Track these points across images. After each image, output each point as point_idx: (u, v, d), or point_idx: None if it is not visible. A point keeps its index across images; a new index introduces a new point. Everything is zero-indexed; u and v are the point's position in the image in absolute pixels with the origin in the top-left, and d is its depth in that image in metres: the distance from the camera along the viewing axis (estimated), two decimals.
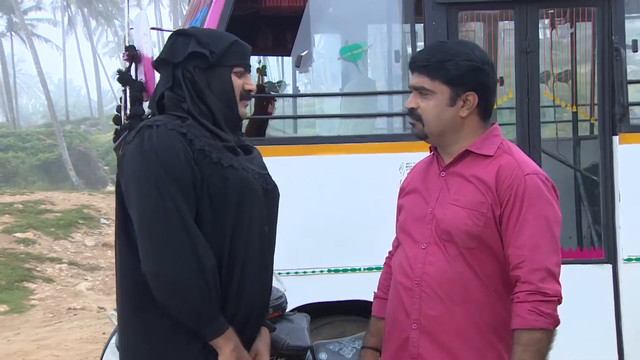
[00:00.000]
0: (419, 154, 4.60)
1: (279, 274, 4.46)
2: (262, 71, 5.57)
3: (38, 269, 11.29)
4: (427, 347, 2.44)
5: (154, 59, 2.57)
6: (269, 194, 2.55)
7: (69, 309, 9.82)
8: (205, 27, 4.59)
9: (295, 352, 3.25)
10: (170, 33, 2.62)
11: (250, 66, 2.57)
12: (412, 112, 2.50)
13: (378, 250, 4.59)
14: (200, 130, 2.41)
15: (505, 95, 5.03)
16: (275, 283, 3.09)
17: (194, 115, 2.44)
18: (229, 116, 2.49)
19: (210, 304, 2.32)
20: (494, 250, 2.41)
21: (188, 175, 2.32)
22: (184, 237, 2.27)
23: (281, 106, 6.00)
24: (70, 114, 48.36)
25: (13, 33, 52.34)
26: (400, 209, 2.70)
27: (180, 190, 2.29)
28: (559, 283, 2.34)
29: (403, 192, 2.72)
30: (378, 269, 4.64)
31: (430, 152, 2.63)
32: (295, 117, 5.79)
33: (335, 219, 4.63)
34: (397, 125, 5.32)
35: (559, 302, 2.33)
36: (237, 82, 2.49)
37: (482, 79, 2.44)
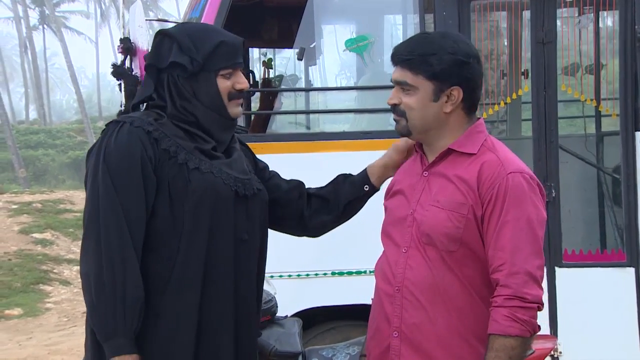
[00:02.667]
0: None
1: (280, 276, 4.50)
2: (267, 64, 5.59)
3: (55, 270, 11.44)
4: (408, 355, 2.42)
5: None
6: (250, 199, 2.53)
7: (85, 312, 9.96)
8: (203, 18, 4.60)
9: (285, 358, 3.25)
10: (156, 32, 2.60)
11: (241, 63, 2.54)
12: (394, 108, 2.48)
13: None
14: (174, 130, 2.43)
15: (521, 89, 4.98)
16: (265, 286, 3.10)
17: (173, 115, 2.47)
18: (217, 120, 2.49)
19: (115, 320, 2.31)
20: (477, 253, 2.37)
21: (136, 180, 2.34)
22: (100, 245, 2.31)
23: (294, 101, 6.02)
24: (103, 110, 48.98)
25: (45, 26, 53.30)
26: (385, 211, 2.67)
27: (121, 195, 2.32)
28: (540, 287, 2.30)
29: (388, 194, 2.68)
30: None
31: (415, 150, 2.60)
32: (295, 113, 5.79)
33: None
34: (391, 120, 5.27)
35: (539, 308, 2.30)
36: (224, 84, 2.48)
37: (467, 73, 2.41)
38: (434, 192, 2.43)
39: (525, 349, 2.30)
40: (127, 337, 2.31)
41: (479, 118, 2.53)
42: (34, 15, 54.01)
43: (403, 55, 2.43)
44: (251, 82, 6.43)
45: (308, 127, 5.56)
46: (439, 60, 2.38)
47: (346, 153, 4.73)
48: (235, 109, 2.53)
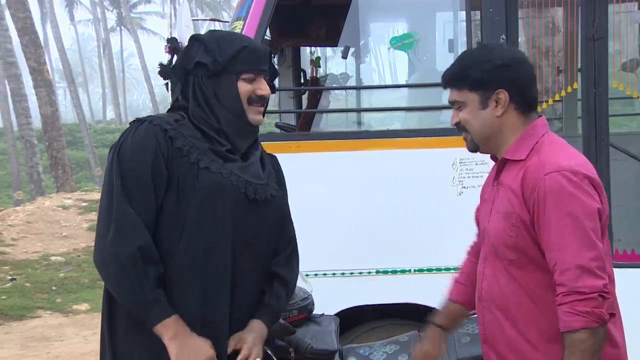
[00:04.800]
0: None
1: (324, 275, 4.54)
2: (315, 63, 5.62)
3: None
4: (493, 359, 2.58)
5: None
6: (261, 204, 2.59)
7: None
8: (249, 17, 4.67)
9: (321, 356, 3.26)
10: (190, 37, 2.71)
11: (265, 71, 2.61)
12: (458, 127, 2.62)
13: (429, 251, 4.66)
14: (192, 131, 2.53)
15: (570, 86, 4.89)
16: (301, 283, 3.13)
17: (194, 117, 2.55)
18: (236, 124, 2.57)
19: (137, 292, 2.41)
20: (534, 259, 2.44)
21: (147, 171, 2.44)
22: (115, 230, 2.40)
23: (344, 99, 6.05)
24: None
25: (122, 27, 54.57)
26: None
27: (132, 187, 2.43)
28: (597, 277, 2.31)
29: (480, 200, 2.81)
30: (429, 270, 4.72)
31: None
32: (338, 111, 5.81)
33: (384, 218, 4.63)
34: (448, 118, 5.26)
35: (602, 296, 2.30)
36: (245, 88, 2.56)
37: (508, 74, 2.50)
38: (497, 203, 2.55)
39: (599, 340, 2.31)
40: (160, 304, 2.43)
41: (538, 117, 2.58)
42: (111, 17, 55.38)
43: (446, 77, 2.59)
44: (302, 81, 6.51)
45: (359, 126, 5.58)
46: (476, 70, 2.50)
47: (392, 151, 4.75)
48: (255, 116, 2.59)
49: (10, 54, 19.48)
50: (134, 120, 2.57)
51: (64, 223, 13.36)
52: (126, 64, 61.83)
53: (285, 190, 2.80)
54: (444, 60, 5.57)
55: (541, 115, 2.59)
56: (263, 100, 2.61)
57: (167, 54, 4.85)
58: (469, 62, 2.54)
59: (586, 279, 2.30)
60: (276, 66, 2.89)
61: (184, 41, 4.70)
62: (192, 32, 4.95)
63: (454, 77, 2.56)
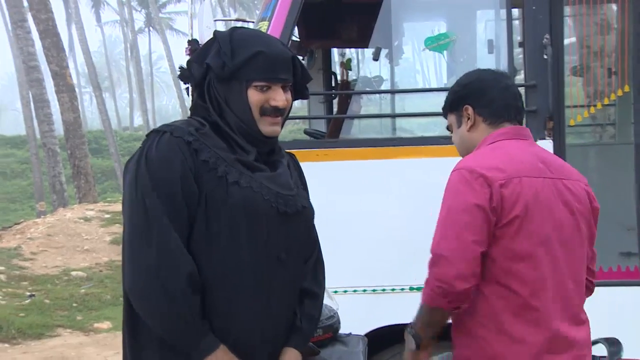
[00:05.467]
0: None
1: (354, 291, 4.54)
2: (346, 65, 5.64)
3: None
4: None
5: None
6: (292, 217, 2.56)
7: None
8: (274, 17, 4.71)
9: None
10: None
11: (284, 79, 2.54)
12: None
13: None
14: (216, 140, 2.49)
15: (620, 89, 4.86)
16: (326, 300, 3.14)
17: (217, 124, 2.52)
18: (248, 133, 2.53)
19: (187, 324, 2.39)
20: None
21: (179, 190, 2.39)
22: (156, 255, 2.35)
23: (378, 104, 6.07)
24: None
25: (151, 28, 55.21)
26: None
27: (166, 205, 2.37)
28: (446, 267, 2.64)
29: None
30: None
31: None
32: (370, 117, 5.83)
33: (419, 231, 4.60)
34: None
35: (439, 287, 2.65)
36: (256, 97, 2.51)
37: (469, 91, 2.93)
38: None
39: (434, 318, 2.80)
40: (209, 335, 2.42)
41: (510, 127, 2.91)
42: (139, 18, 56.09)
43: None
44: (332, 85, 6.54)
45: (393, 132, 5.59)
46: (449, 95, 3.01)
47: (427, 160, 4.75)
48: (268, 127, 2.54)
49: (33, 58, 19.82)
50: (151, 132, 2.53)
51: (85, 236, 13.52)
52: (155, 67, 62.57)
53: (307, 192, 2.78)
54: (484, 62, 5.56)
55: (516, 125, 2.92)
56: (278, 111, 2.54)
57: (188, 56, 4.93)
58: (448, 91, 3.02)
59: (434, 266, 2.68)
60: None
61: None
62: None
63: (442, 107, 3.07)
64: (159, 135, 2.46)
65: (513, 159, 2.76)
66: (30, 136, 30.49)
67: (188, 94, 4.91)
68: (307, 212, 2.65)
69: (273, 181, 2.54)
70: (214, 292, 2.45)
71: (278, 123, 2.56)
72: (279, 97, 2.53)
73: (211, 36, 5.04)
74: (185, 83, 5.19)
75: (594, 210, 2.87)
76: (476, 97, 2.91)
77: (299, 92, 2.68)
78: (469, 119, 2.92)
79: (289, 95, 2.58)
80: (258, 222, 2.48)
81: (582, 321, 2.82)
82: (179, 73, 5.20)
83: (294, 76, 2.60)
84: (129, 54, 53.31)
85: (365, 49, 6.19)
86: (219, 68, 2.48)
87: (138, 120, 59.78)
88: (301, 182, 2.76)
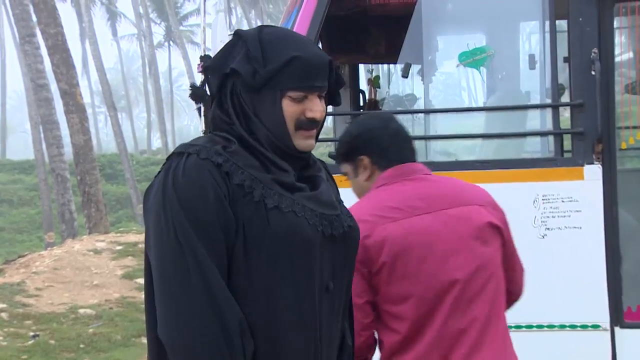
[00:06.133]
0: (558, 184, 4.68)
1: None
2: (374, 82, 5.69)
3: None
4: None
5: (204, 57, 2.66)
6: (338, 240, 2.46)
7: None
8: (295, 29, 4.78)
9: None
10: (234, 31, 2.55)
11: (320, 87, 2.42)
12: None
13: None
14: (247, 158, 2.36)
15: None
16: None
17: (244, 138, 2.39)
18: (280, 149, 2.41)
19: None
20: None
21: (216, 220, 2.27)
22: (204, 301, 2.25)
23: (411, 125, 6.07)
24: None
25: (171, 43, 55.88)
26: None
27: (204, 240, 2.26)
28: None
29: None
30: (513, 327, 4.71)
31: None
32: None
33: None
34: (533, 147, 5.27)
35: None
36: (291, 108, 2.39)
37: (360, 142, 3.16)
38: None
39: None
40: None
41: (382, 175, 3.14)
42: (158, 32, 56.80)
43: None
44: (360, 104, 6.59)
45: (426, 156, 5.61)
46: (341, 145, 3.26)
47: None
48: (303, 142, 2.43)
49: (41, 76, 20.03)
50: (172, 155, 2.38)
51: (95, 270, 13.57)
52: (175, 84, 63.23)
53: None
54: (526, 79, 5.59)
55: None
56: (315, 124, 2.43)
57: (200, 73, 5.00)
58: (340, 139, 3.29)
59: None
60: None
61: None
62: None
63: (334, 155, 3.39)
64: (184, 158, 2.32)
65: (383, 206, 3.03)
66: (39, 161, 30.88)
67: (200, 115, 5.00)
68: (353, 233, 2.54)
69: (315, 201, 2.43)
70: (256, 333, 2.32)
71: (313, 136, 2.46)
72: (316, 107, 2.41)
73: None
74: (197, 103, 5.29)
75: (495, 224, 3.08)
76: (370, 147, 3.15)
77: (332, 99, 2.57)
78: (365, 169, 3.16)
79: (324, 105, 2.47)
80: (304, 251, 2.36)
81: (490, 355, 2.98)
82: (190, 92, 5.29)
83: (330, 83, 2.49)
84: (147, 70, 53.88)
85: (398, 65, 6.24)
86: (249, 75, 2.35)
87: (156, 143, 60.28)
88: (335, 190, 2.65)
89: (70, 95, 17.80)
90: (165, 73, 63.87)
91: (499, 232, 3.10)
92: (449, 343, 2.92)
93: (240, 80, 2.37)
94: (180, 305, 2.25)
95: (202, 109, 4.90)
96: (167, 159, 2.38)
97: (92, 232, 17.39)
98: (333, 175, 2.65)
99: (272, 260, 2.33)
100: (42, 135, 23.70)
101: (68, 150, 19.75)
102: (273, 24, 2.93)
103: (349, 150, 3.19)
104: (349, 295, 2.62)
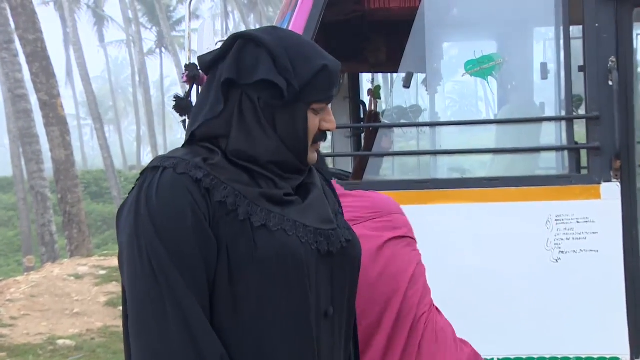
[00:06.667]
0: (573, 203, 4.68)
1: None
2: (375, 93, 5.71)
3: None
4: None
5: (201, 60, 2.47)
6: (336, 257, 2.40)
7: None
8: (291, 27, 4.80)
9: None
10: (231, 35, 2.41)
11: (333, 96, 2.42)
12: None
13: (516, 335, 4.67)
14: (231, 172, 2.31)
15: None
16: None
17: (232, 150, 2.33)
18: (290, 164, 2.37)
19: None
20: None
21: (194, 245, 2.21)
22: (181, 337, 2.19)
23: (416, 139, 6.10)
24: None
25: (163, 49, 56.05)
26: None
27: (181, 268, 2.20)
28: None
29: None
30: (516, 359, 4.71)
31: None
32: (400, 154, 5.87)
33: (454, 291, 4.66)
34: (546, 163, 5.28)
35: None
36: (313, 122, 2.37)
37: None
38: None
39: None
40: None
41: None
42: (149, 37, 56.96)
43: None
44: (361, 116, 6.61)
45: (433, 172, 5.63)
46: None
47: (468, 205, 4.80)
48: (312, 155, 2.42)
49: (20, 85, 19.96)
50: (146, 169, 2.31)
51: (75, 297, 13.55)
52: (167, 94, 63.15)
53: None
54: (539, 89, 5.61)
55: None
56: (325, 136, 2.43)
57: (185, 83, 5.02)
58: None
59: None
60: None
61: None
62: None
63: None
64: (158, 173, 2.25)
65: None
66: (18, 177, 30.90)
67: (185, 129, 5.01)
68: (352, 248, 2.46)
69: (308, 214, 2.36)
70: None
71: (319, 148, 2.47)
72: (330, 118, 2.40)
73: None
74: (181, 115, 5.31)
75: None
76: None
77: None
78: None
79: None
80: (297, 274, 2.28)
81: None
82: (174, 104, 5.29)
83: None
84: (137, 79, 54.03)
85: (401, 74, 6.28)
86: (284, 89, 2.28)
87: (147, 158, 60.28)
88: (338, 205, 2.61)
89: (51, 106, 17.79)
90: (156, 82, 64.07)
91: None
92: None
93: (265, 94, 2.30)
94: (154, 341, 2.20)
95: (187, 122, 4.92)
96: (141, 173, 2.31)
97: (73, 255, 17.37)
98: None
99: (261, 285, 2.25)
100: (21, 149, 23.72)
101: (49, 166, 19.72)
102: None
103: None
104: (353, 317, 2.54)
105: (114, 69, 75.12)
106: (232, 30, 52.48)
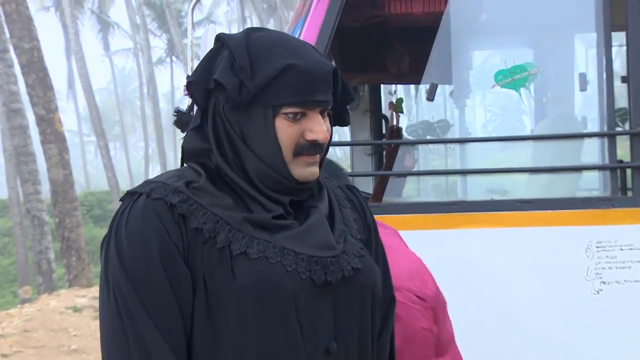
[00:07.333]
0: (615, 229, 4.67)
1: None
2: (397, 107, 5.72)
3: None
4: None
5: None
6: (339, 288, 2.34)
7: None
8: (303, 34, 4.83)
9: None
10: (215, 36, 2.42)
11: (322, 102, 2.31)
12: None
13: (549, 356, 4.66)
14: (215, 195, 2.31)
15: None
16: None
17: (221, 167, 2.32)
18: (274, 180, 2.32)
19: None
20: None
21: (163, 278, 2.23)
22: None
23: (444, 157, 6.11)
24: None
25: (174, 58, 56.30)
26: None
27: (148, 304, 2.23)
28: None
29: None
30: None
31: None
32: (424, 174, 5.88)
33: (483, 323, 4.67)
34: (587, 184, 5.27)
35: None
36: (287, 130, 2.29)
37: None
38: None
39: None
40: None
41: None
42: (159, 45, 57.24)
43: None
44: (383, 132, 6.63)
45: (462, 194, 5.64)
46: None
47: (499, 230, 4.80)
48: (304, 170, 2.33)
49: (15, 99, 19.90)
50: (127, 194, 2.35)
51: (73, 331, 13.58)
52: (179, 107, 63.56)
53: (378, 244, 2.57)
54: (580, 102, 5.60)
55: None
56: (318, 148, 2.32)
57: (187, 97, 5.05)
58: None
59: None
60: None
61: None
62: None
63: None
64: (133, 199, 2.28)
65: None
66: (14, 200, 30.96)
67: None
68: (362, 276, 2.38)
69: (303, 239, 2.31)
70: None
71: (316, 162, 2.34)
72: (318, 127, 2.30)
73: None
74: (183, 131, 5.35)
75: None
76: None
77: (338, 117, 2.46)
78: None
79: (328, 124, 2.36)
80: (281, 306, 2.25)
81: None
82: (174, 119, 5.33)
83: (335, 95, 2.37)
84: (145, 90, 54.27)
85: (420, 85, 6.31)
86: (234, 90, 2.25)
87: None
88: (364, 226, 2.54)
89: (48, 121, 17.76)
90: (167, 94, 64.45)
91: None
92: None
93: (224, 95, 2.27)
94: None
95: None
96: (121, 200, 2.34)
97: (72, 285, 17.39)
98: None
99: (241, 319, 2.24)
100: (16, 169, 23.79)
101: (47, 187, 19.73)
102: (265, 27, 2.80)
103: None
104: (367, 356, 2.44)
105: (120, 80, 75.63)
106: None
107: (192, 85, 2.35)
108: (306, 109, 2.28)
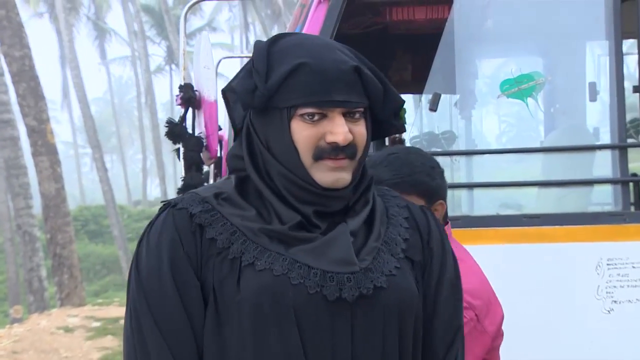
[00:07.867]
0: (627, 245, 4.67)
1: None
2: (400, 117, 5.71)
3: None
4: None
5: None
6: (355, 306, 2.28)
7: None
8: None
9: None
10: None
11: (344, 102, 2.24)
12: None
13: None
14: (239, 205, 2.33)
15: None
16: None
17: (251, 178, 2.34)
18: (297, 186, 2.30)
19: None
20: None
21: (170, 286, 2.27)
22: None
23: (449, 169, 6.12)
24: None
25: (173, 66, 56.36)
26: None
27: (160, 318, 2.27)
28: None
29: None
30: None
31: None
32: None
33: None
34: (598, 198, 5.27)
35: None
36: (304, 132, 2.26)
37: (442, 182, 3.28)
38: None
39: None
40: None
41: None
42: (158, 53, 57.31)
43: (391, 180, 3.19)
44: (386, 144, 6.63)
45: (467, 209, 5.65)
46: (422, 178, 3.21)
47: (505, 246, 4.80)
48: (329, 175, 2.28)
49: (6, 109, 19.86)
50: (162, 203, 2.41)
51: (64, 353, 13.59)
52: (178, 118, 63.63)
53: (445, 270, 2.46)
54: (590, 113, 5.61)
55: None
56: (342, 151, 2.25)
57: (180, 107, 5.03)
58: (416, 171, 3.22)
59: None
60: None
61: (203, 88, 4.88)
62: (214, 77, 5.17)
63: (401, 182, 3.19)
64: (162, 209, 2.34)
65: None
66: (4, 215, 30.94)
67: (179, 158, 5.04)
68: (384, 296, 2.29)
69: (320, 254, 2.27)
70: None
71: (343, 167, 2.27)
72: (338, 128, 2.23)
73: (211, 80, 5.15)
74: (175, 143, 5.30)
75: None
76: (445, 190, 3.29)
77: (385, 124, 2.38)
78: (438, 214, 3.22)
79: (361, 127, 2.28)
80: (283, 320, 2.23)
81: None
82: (166, 130, 5.26)
83: (369, 97, 2.29)
84: (143, 100, 54.31)
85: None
86: (245, 92, 2.27)
87: (154, 192, 60.58)
88: (423, 247, 2.44)
89: (39, 132, 17.74)
90: (165, 104, 64.44)
91: None
92: None
93: (242, 101, 2.30)
94: None
95: (182, 150, 4.92)
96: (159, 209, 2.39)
97: (64, 304, 17.38)
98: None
99: (242, 334, 2.24)
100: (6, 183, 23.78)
101: (36, 201, 19.74)
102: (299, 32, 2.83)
103: (433, 190, 3.23)
104: None
105: (117, 89, 75.67)
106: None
107: (224, 92, 2.40)
108: (324, 109, 2.24)
